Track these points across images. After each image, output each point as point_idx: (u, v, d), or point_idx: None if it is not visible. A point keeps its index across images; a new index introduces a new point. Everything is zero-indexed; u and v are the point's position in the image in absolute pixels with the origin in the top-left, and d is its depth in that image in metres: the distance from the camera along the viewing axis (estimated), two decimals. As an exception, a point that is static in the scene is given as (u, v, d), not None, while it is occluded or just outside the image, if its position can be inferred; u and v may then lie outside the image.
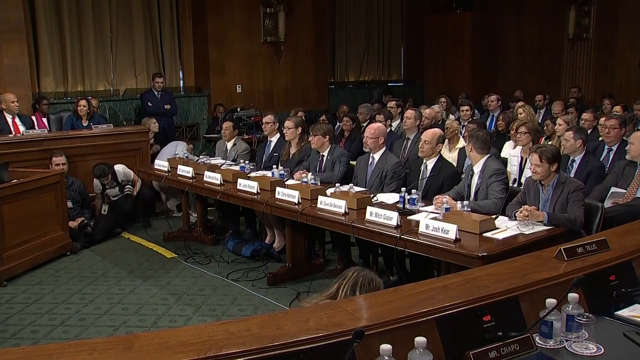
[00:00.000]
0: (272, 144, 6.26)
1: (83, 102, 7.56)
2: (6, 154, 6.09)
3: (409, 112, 6.26)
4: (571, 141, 4.93)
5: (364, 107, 7.90)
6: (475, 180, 4.39)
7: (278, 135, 6.28)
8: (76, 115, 7.53)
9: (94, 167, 6.54)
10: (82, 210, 6.32)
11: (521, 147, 5.39)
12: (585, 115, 6.61)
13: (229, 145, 6.68)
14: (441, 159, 4.89)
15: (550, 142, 5.74)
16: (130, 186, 6.68)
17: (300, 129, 5.88)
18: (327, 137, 5.48)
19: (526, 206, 3.85)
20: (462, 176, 4.97)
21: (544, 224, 3.74)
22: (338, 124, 8.33)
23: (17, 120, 7.10)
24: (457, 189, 4.52)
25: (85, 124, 7.53)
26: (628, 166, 4.71)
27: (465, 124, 6.48)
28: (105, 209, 6.60)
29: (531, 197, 4.04)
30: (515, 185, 5.08)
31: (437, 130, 5.02)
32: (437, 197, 4.24)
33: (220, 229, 6.42)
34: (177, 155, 6.60)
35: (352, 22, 12.09)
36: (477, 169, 4.41)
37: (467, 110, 7.44)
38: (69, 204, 6.10)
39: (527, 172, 4.95)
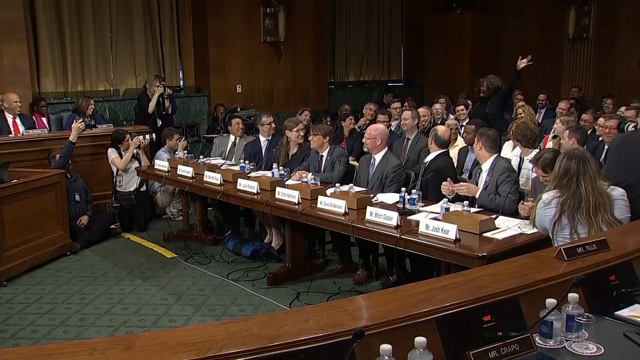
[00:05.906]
0: (268, 144, 6.28)
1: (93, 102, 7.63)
2: (6, 154, 6.09)
3: (406, 113, 6.26)
4: (565, 139, 5.02)
5: (373, 104, 8.01)
6: (483, 177, 4.39)
7: (271, 134, 6.32)
8: (83, 114, 7.49)
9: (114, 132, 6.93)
10: (86, 206, 6.36)
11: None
12: (584, 117, 6.63)
13: (237, 140, 6.71)
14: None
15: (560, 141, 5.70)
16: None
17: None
18: (327, 137, 5.48)
19: (529, 201, 3.86)
20: (463, 175, 4.97)
21: None
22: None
23: (17, 120, 7.09)
24: None
25: (85, 123, 7.52)
26: None
27: (464, 124, 6.48)
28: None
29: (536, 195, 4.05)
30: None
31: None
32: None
33: (220, 229, 6.41)
34: (177, 155, 6.59)
35: (352, 22, 12.09)
36: (485, 167, 4.41)
37: (461, 110, 7.44)
38: (77, 197, 6.19)
39: (525, 172, 4.96)
